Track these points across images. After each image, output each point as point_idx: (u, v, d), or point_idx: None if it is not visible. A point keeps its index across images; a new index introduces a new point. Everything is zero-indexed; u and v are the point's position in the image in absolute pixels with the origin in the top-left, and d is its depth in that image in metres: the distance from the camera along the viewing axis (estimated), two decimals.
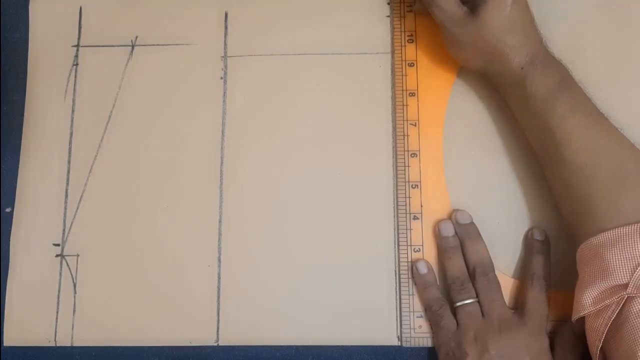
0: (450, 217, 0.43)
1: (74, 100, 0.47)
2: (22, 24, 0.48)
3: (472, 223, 0.43)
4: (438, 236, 0.43)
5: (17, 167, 0.46)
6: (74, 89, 0.47)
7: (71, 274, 0.44)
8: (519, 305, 0.41)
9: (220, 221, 0.44)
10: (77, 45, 0.47)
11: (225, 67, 0.47)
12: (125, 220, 0.45)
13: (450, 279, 0.41)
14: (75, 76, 0.47)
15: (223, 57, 0.47)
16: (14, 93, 0.47)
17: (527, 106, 0.39)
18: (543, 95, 0.38)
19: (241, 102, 0.46)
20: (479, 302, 0.40)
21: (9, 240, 0.45)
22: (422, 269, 0.43)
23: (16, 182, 0.46)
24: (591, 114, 0.38)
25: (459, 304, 0.41)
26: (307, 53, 0.47)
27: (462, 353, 0.39)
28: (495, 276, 0.41)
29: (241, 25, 0.47)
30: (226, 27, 0.47)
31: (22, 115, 0.47)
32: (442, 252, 0.43)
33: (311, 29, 0.47)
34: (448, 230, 0.43)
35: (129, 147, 0.46)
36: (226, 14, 0.47)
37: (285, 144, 0.45)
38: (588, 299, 0.36)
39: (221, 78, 0.47)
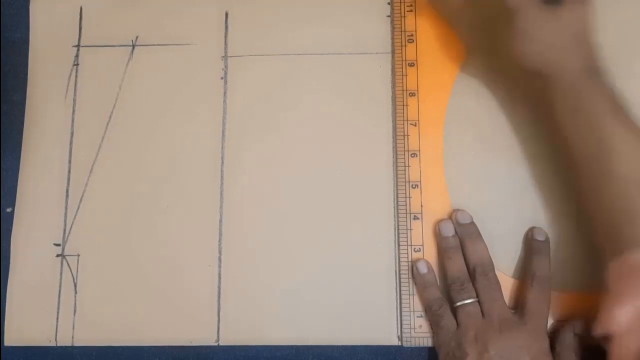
0: (450, 217, 0.43)
1: (74, 100, 0.47)
2: (22, 24, 0.48)
3: (472, 223, 0.43)
4: (438, 236, 0.43)
5: (18, 166, 0.46)
6: (75, 89, 0.47)
7: (72, 274, 0.44)
8: (519, 305, 0.41)
9: (220, 221, 0.44)
10: (78, 45, 0.48)
11: (226, 67, 0.47)
12: (126, 220, 0.45)
13: (451, 279, 0.41)
14: (76, 76, 0.47)
15: (223, 57, 0.47)
16: (14, 93, 0.47)
17: (577, 115, 0.37)
18: (599, 106, 0.36)
19: (241, 102, 0.46)
20: (479, 302, 0.40)
21: (10, 240, 0.45)
22: (422, 268, 0.43)
23: (16, 182, 0.46)
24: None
25: (459, 303, 0.41)
26: (308, 53, 0.47)
27: (462, 353, 0.39)
28: (496, 276, 0.41)
29: (241, 25, 0.47)
30: (226, 27, 0.47)
31: (23, 115, 0.46)
32: (442, 252, 0.42)
33: (311, 29, 0.47)
34: (448, 230, 0.43)
35: (130, 147, 0.46)
36: (226, 14, 0.47)
37: (286, 144, 0.45)
38: (624, 316, 0.35)
39: (221, 78, 0.47)
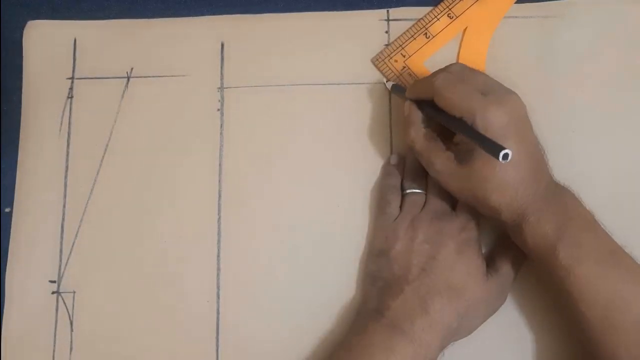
0: None
1: (69, 133, 0.46)
2: (22, 24, 0.48)
3: None
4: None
5: (17, 166, 0.46)
6: (69, 122, 0.46)
7: (68, 311, 0.44)
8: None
9: (218, 256, 0.44)
10: (72, 78, 0.47)
11: (222, 98, 0.46)
12: (122, 255, 0.44)
13: (408, 169, 0.43)
14: (70, 109, 0.47)
15: (219, 88, 0.46)
16: (14, 93, 0.47)
17: (530, 254, 0.38)
18: (542, 248, 0.37)
19: (238, 134, 0.46)
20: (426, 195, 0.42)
21: (4, 277, 0.44)
22: (393, 160, 0.44)
23: (15, 182, 0.45)
24: (601, 260, 0.36)
25: (408, 191, 0.42)
26: (304, 83, 0.46)
27: (396, 237, 0.40)
28: None
29: (237, 56, 0.47)
30: (222, 58, 0.47)
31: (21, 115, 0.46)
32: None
33: (308, 59, 0.47)
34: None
35: (125, 180, 0.45)
36: (222, 45, 0.47)
37: (284, 175, 0.45)
38: None
39: (218, 109, 0.46)
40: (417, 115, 0.41)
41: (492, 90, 0.38)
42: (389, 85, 0.45)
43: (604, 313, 0.35)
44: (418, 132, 0.40)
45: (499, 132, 0.36)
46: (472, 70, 0.40)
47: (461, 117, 0.37)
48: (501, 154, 0.33)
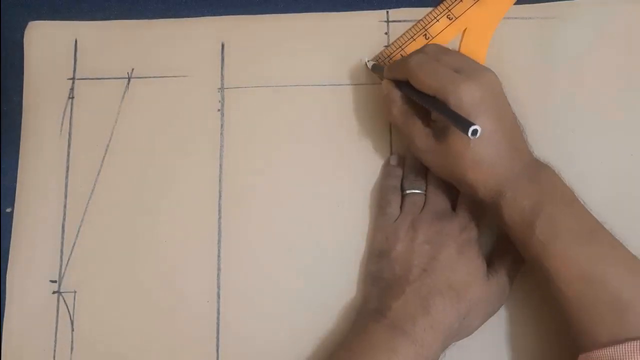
0: None
1: (70, 134, 0.46)
2: (22, 25, 0.48)
3: None
4: None
5: (17, 166, 0.46)
6: (70, 122, 0.46)
7: (68, 311, 0.44)
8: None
9: (219, 256, 0.44)
10: (73, 78, 0.47)
11: (222, 98, 0.46)
12: (123, 255, 0.44)
13: (408, 169, 0.43)
14: (71, 109, 0.47)
15: (220, 88, 0.47)
16: (14, 93, 0.47)
17: (510, 236, 0.38)
18: (519, 224, 0.37)
19: (238, 134, 0.46)
20: (426, 195, 0.42)
21: (5, 278, 0.44)
22: (393, 161, 0.44)
23: (16, 182, 0.45)
24: (578, 237, 0.36)
25: (408, 191, 0.42)
26: (305, 84, 0.46)
27: (396, 238, 0.40)
28: None
29: (238, 57, 0.47)
30: (222, 59, 0.47)
31: (21, 116, 0.46)
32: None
33: (308, 59, 0.47)
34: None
35: (126, 180, 0.45)
36: (222, 45, 0.47)
37: (284, 175, 0.45)
38: None
39: (218, 110, 0.46)
40: (396, 94, 0.41)
41: (466, 68, 0.38)
42: (370, 64, 0.45)
43: (580, 289, 0.35)
44: (398, 110, 0.41)
45: (471, 109, 0.36)
46: (447, 50, 0.41)
47: (434, 95, 0.37)
48: (470, 129, 0.33)
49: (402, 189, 0.43)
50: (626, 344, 0.33)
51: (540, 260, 0.36)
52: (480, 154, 0.37)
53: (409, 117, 0.40)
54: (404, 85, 0.40)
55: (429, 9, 0.47)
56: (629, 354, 0.33)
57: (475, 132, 0.33)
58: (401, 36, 0.46)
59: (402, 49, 0.46)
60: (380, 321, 0.38)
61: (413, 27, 0.46)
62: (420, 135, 0.39)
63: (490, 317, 0.41)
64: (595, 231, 0.36)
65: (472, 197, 0.39)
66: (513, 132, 0.38)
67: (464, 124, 0.34)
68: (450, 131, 0.37)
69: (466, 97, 0.36)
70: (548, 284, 0.36)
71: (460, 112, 0.36)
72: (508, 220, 0.37)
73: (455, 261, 0.39)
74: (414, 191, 0.42)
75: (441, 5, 0.47)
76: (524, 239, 0.37)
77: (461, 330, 0.39)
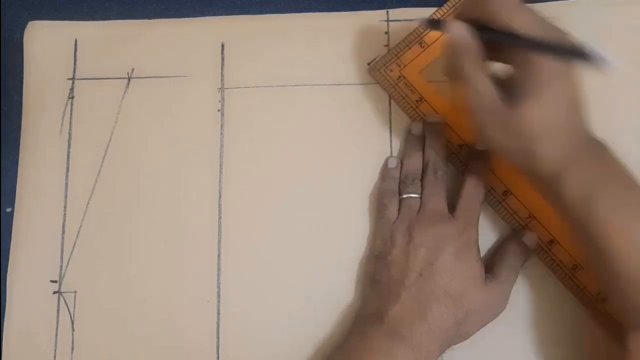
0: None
1: (69, 134, 0.46)
2: (22, 25, 0.48)
3: (439, 123, 0.44)
4: (407, 133, 0.44)
5: (17, 166, 0.46)
6: (70, 123, 0.46)
7: (69, 311, 0.44)
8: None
9: (219, 256, 0.44)
10: (73, 78, 0.47)
11: (222, 98, 0.46)
12: (123, 255, 0.44)
13: (404, 173, 0.43)
14: (71, 109, 0.47)
15: (220, 88, 0.47)
16: (14, 93, 0.47)
17: (565, 209, 0.36)
18: (578, 198, 0.35)
19: (239, 134, 0.46)
20: (422, 198, 0.42)
21: (6, 278, 0.44)
22: (391, 163, 0.44)
23: (16, 182, 0.45)
24: (638, 211, 0.34)
25: (404, 196, 0.42)
26: (305, 84, 0.46)
27: (393, 241, 0.40)
28: (444, 176, 0.42)
29: (238, 57, 0.47)
30: (222, 59, 0.47)
31: (21, 116, 0.46)
32: (405, 149, 0.44)
33: (308, 59, 0.47)
34: (417, 129, 0.44)
35: (126, 180, 0.45)
36: (222, 46, 0.47)
37: (284, 175, 0.45)
38: None
39: (218, 110, 0.46)
40: (472, 40, 0.35)
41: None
42: (423, 21, 0.41)
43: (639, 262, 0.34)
44: (471, 60, 0.36)
45: (560, 69, 0.34)
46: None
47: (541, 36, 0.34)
48: (607, 62, 0.30)
49: (399, 193, 0.43)
50: None
51: (598, 237, 0.34)
52: (552, 122, 0.34)
53: (479, 71, 0.36)
54: (487, 29, 0.35)
55: (429, 9, 0.46)
56: None
57: (608, 66, 0.30)
58: (397, 44, 0.45)
59: (398, 57, 0.45)
60: (378, 326, 0.38)
61: (409, 35, 0.45)
62: (489, 93, 0.35)
63: (490, 321, 0.40)
64: None
65: (522, 170, 0.37)
66: (581, 102, 0.36)
67: (597, 58, 0.30)
68: (523, 95, 0.34)
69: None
70: (602, 262, 0.35)
71: (549, 71, 0.33)
72: (568, 195, 0.35)
73: (452, 266, 0.39)
74: (410, 195, 0.42)
75: (435, 12, 0.46)
76: (582, 215, 0.35)
77: (459, 335, 0.39)
